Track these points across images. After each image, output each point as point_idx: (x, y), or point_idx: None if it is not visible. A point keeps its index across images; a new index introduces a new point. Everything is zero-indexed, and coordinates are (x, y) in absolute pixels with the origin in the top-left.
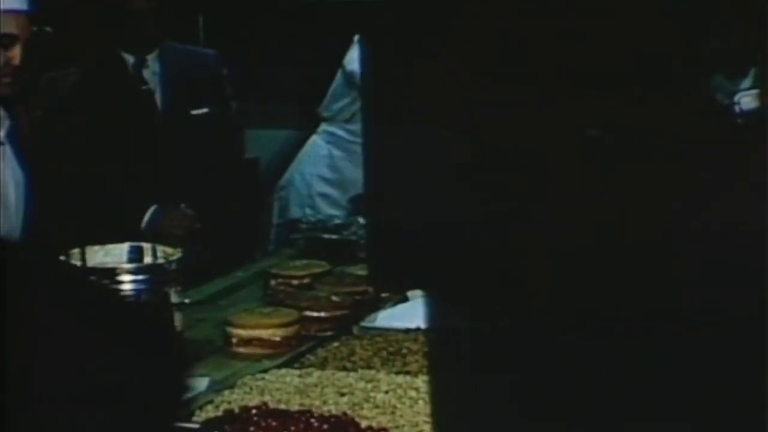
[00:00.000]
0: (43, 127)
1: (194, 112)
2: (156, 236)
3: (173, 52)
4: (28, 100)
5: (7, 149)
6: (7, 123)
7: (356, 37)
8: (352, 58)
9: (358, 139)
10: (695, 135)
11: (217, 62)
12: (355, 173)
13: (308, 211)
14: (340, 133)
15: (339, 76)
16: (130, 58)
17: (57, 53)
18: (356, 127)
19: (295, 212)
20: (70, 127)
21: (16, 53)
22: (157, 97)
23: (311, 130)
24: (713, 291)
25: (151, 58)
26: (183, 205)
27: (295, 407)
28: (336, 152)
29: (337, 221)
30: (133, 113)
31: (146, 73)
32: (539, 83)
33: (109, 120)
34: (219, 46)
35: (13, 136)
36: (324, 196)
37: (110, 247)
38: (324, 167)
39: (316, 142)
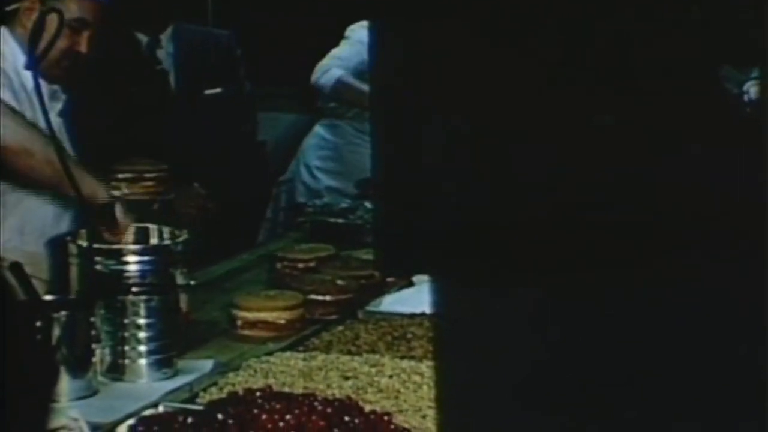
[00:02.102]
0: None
1: (208, 91)
2: (170, 215)
3: (186, 32)
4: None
5: (63, 126)
6: (62, 100)
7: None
8: (320, 69)
9: (364, 135)
10: (705, 124)
11: (230, 42)
12: (360, 162)
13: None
14: (345, 127)
15: None
16: (143, 38)
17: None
18: (361, 124)
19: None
20: (96, 107)
21: (83, 40)
22: (171, 77)
23: (318, 115)
24: (721, 279)
25: (165, 39)
26: (196, 185)
27: (299, 390)
28: (341, 142)
29: (344, 205)
30: (148, 93)
31: (160, 54)
32: (551, 69)
33: (125, 99)
34: (226, 27)
35: (67, 113)
36: (333, 189)
37: None
38: (330, 160)
39: (319, 133)
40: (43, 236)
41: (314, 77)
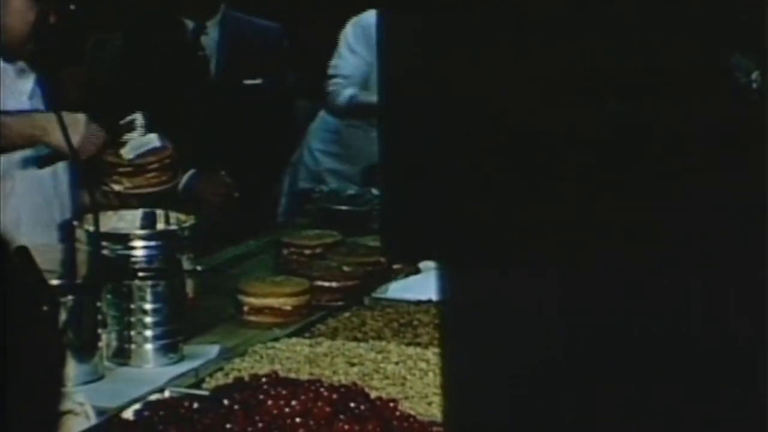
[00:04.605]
0: (90, 90)
1: (247, 82)
2: (192, 200)
3: (235, 21)
4: (75, 63)
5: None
6: (32, 79)
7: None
8: (332, 92)
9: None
10: (714, 112)
11: (278, 35)
12: (364, 146)
13: (316, 187)
14: None
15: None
16: (190, 24)
17: (108, 16)
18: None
19: (303, 187)
20: (116, 90)
21: (49, 10)
22: (212, 64)
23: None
24: (723, 276)
25: (212, 26)
26: (223, 173)
27: (304, 376)
28: (342, 125)
29: (350, 192)
30: (184, 78)
31: (204, 40)
32: (560, 57)
33: (158, 84)
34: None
35: (38, 94)
36: (332, 171)
37: (124, 212)
38: (331, 143)
39: (322, 116)
40: (37, 224)
41: (329, 101)
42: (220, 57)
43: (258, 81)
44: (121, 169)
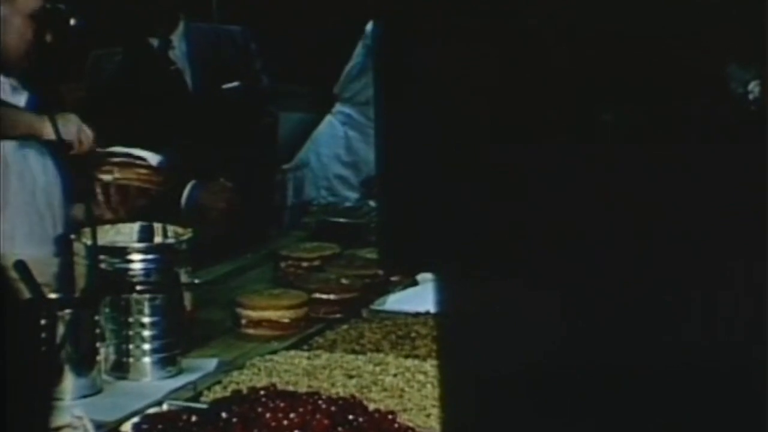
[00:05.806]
0: (87, 107)
1: (226, 86)
2: (197, 211)
3: (198, 31)
4: (74, 80)
5: None
6: (25, 95)
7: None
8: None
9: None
10: (710, 122)
11: (244, 38)
12: (370, 155)
13: (323, 192)
14: (356, 115)
15: (358, 54)
16: (154, 42)
17: (106, 31)
18: (372, 112)
19: (310, 193)
20: (112, 107)
21: (45, 29)
22: (187, 76)
23: (324, 112)
24: (722, 277)
25: (176, 39)
26: (222, 179)
27: (303, 389)
28: (352, 133)
29: (348, 204)
30: (165, 93)
31: (173, 54)
32: (554, 67)
33: (143, 101)
34: (232, 23)
35: (31, 109)
36: (340, 177)
37: (121, 226)
38: (341, 148)
39: (332, 123)
40: (31, 237)
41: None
42: (194, 67)
43: (236, 84)
44: (114, 159)
